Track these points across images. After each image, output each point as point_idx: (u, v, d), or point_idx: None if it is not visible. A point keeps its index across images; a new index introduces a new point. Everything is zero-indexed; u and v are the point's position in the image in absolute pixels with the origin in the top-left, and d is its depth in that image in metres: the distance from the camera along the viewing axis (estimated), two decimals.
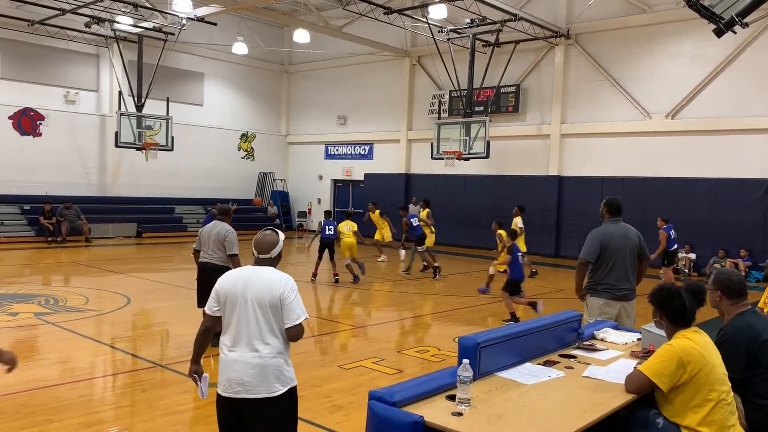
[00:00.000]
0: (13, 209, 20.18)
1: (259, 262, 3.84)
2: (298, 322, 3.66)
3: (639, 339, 4.90)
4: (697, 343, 3.64)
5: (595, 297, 6.42)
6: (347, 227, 13.95)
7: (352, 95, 25.39)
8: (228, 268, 7.57)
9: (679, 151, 17.48)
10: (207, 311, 3.82)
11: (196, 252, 8.12)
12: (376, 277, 15.00)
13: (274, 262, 3.87)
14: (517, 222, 14.45)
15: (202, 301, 7.82)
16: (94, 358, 7.70)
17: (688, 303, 3.80)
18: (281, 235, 3.94)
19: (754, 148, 16.32)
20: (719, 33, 8.83)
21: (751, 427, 3.92)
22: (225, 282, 3.80)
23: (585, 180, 19.14)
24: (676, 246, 14.04)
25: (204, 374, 3.93)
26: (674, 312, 3.79)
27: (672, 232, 13.66)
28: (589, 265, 6.41)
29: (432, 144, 19.80)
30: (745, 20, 8.75)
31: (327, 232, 13.74)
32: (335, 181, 26.61)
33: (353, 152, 25.70)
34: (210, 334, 3.92)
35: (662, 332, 3.90)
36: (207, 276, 7.68)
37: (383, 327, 10.18)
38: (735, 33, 9.21)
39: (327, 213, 14.76)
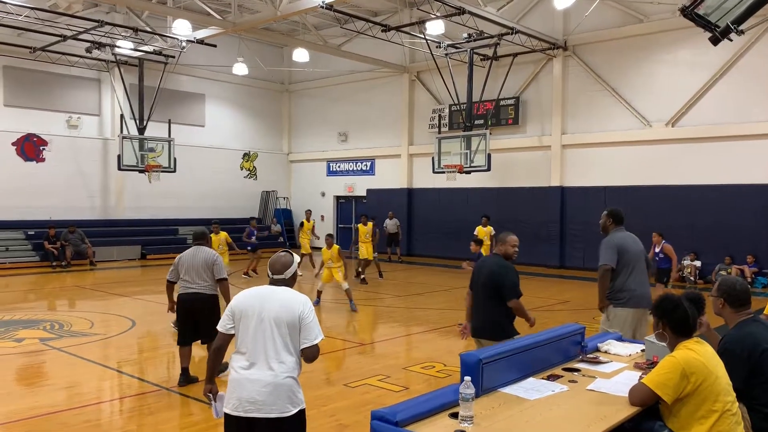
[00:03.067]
0: (18, 234, 20.27)
1: (274, 283, 3.89)
2: (316, 342, 3.72)
3: (643, 350, 4.88)
4: (699, 354, 3.63)
5: (619, 308, 6.33)
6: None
7: (353, 112, 25.50)
8: (216, 296, 7.27)
9: (681, 159, 17.47)
10: (220, 329, 3.85)
11: (171, 284, 7.33)
12: (379, 291, 14.99)
13: (289, 283, 3.92)
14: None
15: (187, 335, 7.31)
16: (100, 382, 7.70)
17: (690, 312, 3.80)
18: (296, 257, 4.00)
19: (757, 154, 16.29)
20: (715, 41, 8.81)
21: None
22: (241, 299, 3.83)
23: (587, 190, 19.13)
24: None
25: (219, 393, 3.96)
26: (677, 321, 3.79)
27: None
28: (611, 271, 6.35)
29: (433, 158, 19.83)
30: (741, 27, 8.76)
31: None
32: (338, 198, 26.65)
33: (355, 168, 25.78)
34: (223, 352, 3.95)
35: (665, 344, 3.89)
36: (197, 308, 7.14)
37: (389, 343, 10.16)
38: (731, 40, 9.22)
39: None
